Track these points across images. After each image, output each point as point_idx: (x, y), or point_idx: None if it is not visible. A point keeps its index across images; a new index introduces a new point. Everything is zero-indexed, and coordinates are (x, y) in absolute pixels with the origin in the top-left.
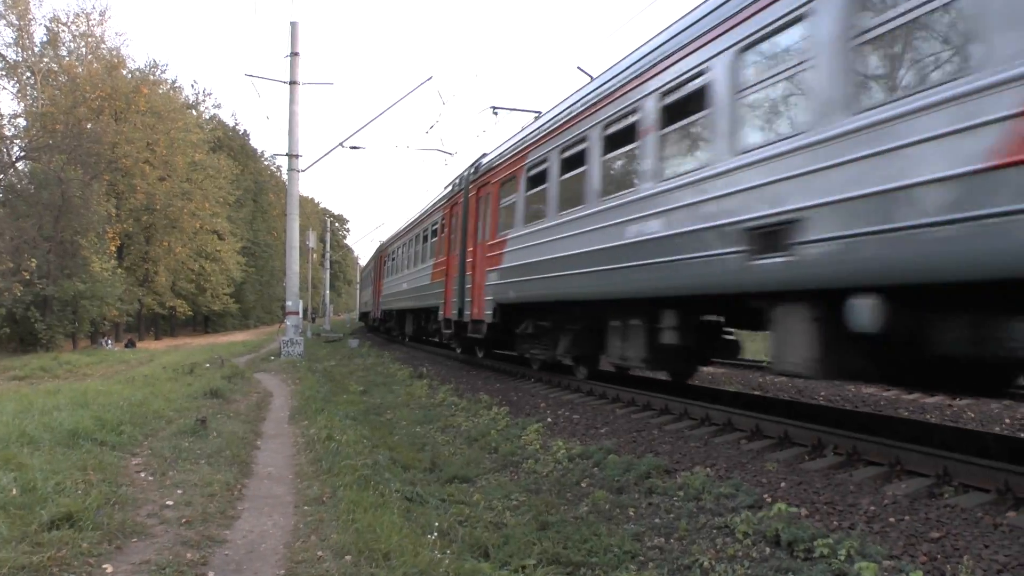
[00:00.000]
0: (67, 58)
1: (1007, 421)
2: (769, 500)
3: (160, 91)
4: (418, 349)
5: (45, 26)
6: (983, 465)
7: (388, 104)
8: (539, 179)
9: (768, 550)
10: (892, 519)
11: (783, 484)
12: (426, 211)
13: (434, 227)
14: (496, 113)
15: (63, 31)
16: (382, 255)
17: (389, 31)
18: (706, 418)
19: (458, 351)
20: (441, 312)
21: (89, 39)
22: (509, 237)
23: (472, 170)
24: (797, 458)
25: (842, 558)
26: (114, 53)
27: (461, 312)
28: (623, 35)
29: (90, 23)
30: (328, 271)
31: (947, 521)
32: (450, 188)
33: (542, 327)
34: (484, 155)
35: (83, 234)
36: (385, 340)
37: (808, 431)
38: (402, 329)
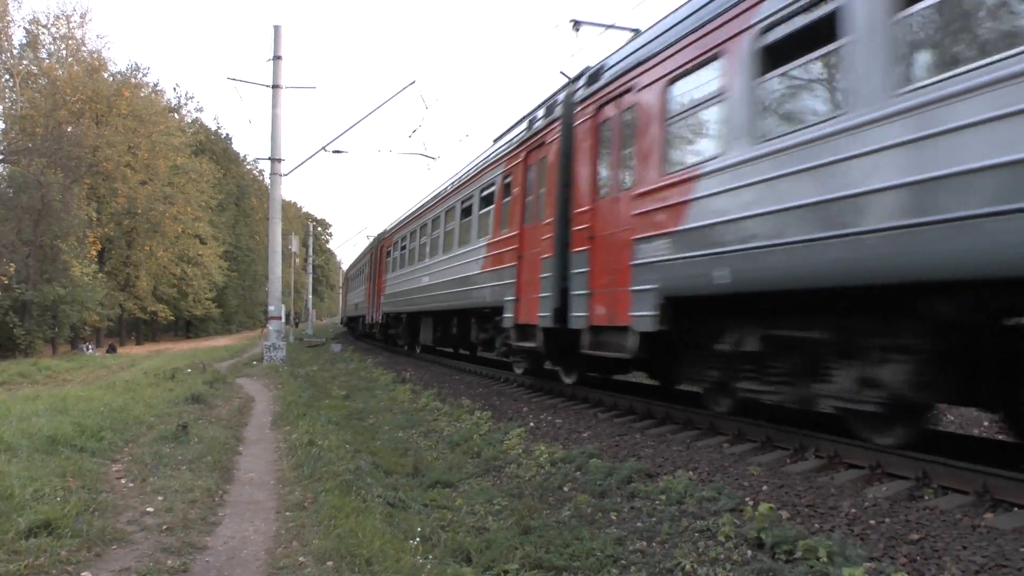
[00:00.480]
0: (47, 60)
1: (985, 424)
2: (751, 503)
3: (142, 94)
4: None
5: (24, 28)
6: (962, 467)
7: (371, 108)
8: (818, 33)
9: (750, 553)
10: (873, 521)
11: (765, 487)
12: (469, 172)
13: (486, 193)
14: (577, 29)
15: (43, 33)
16: (382, 246)
17: (373, 35)
18: (689, 422)
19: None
20: (511, 314)
21: (70, 41)
22: (701, 172)
23: (583, 84)
24: (779, 461)
25: (824, 560)
26: (95, 56)
27: (562, 314)
28: (603, 41)
29: (70, 25)
30: (311, 275)
31: (927, 523)
32: (524, 127)
33: (790, 341)
34: (589, 68)
35: (63, 238)
36: (371, 346)
37: (790, 434)
38: (413, 337)
